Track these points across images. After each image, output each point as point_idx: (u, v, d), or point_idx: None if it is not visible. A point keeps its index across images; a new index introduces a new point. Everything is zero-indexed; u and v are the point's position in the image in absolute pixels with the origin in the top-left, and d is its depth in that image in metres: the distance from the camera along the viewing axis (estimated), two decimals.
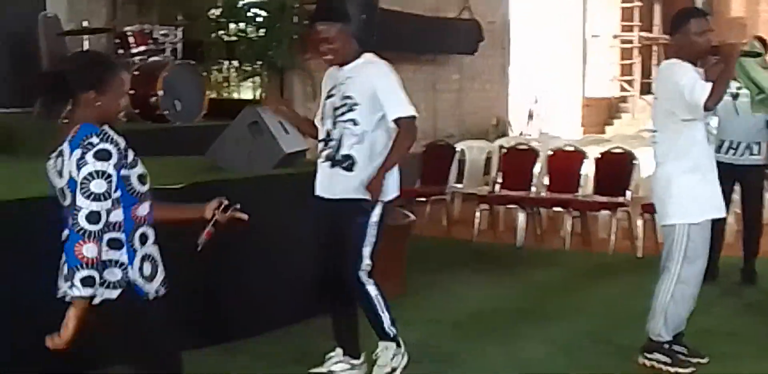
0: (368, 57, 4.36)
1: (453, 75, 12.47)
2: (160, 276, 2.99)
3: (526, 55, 15.32)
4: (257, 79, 9.99)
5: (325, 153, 4.37)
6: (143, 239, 2.93)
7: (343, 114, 4.29)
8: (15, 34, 8.42)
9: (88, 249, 2.71)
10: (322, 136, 4.40)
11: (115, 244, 2.86)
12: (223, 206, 3.07)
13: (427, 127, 11.76)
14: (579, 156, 8.48)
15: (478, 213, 8.37)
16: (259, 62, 9.26)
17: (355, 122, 4.27)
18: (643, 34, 19.50)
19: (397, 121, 4.26)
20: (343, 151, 4.30)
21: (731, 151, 6.43)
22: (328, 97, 4.38)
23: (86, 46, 7.64)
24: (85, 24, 8.13)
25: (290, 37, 8.92)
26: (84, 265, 2.70)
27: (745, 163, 6.44)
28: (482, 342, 5.20)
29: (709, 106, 4.31)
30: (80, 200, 2.75)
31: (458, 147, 9.39)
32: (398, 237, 6.14)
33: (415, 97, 11.62)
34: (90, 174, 2.76)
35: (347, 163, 4.29)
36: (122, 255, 2.87)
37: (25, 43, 8.28)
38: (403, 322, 5.53)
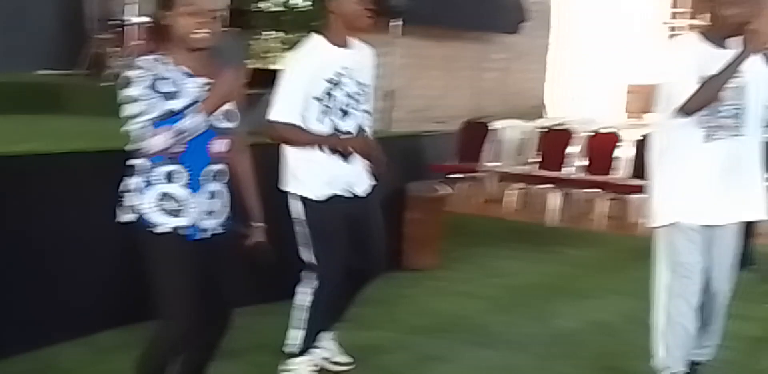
0: None
1: (498, 54, 12.39)
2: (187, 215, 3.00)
3: (571, 38, 15.18)
4: None
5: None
6: (168, 177, 2.98)
7: (360, 104, 3.94)
8: None
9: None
10: (327, 131, 3.85)
11: (131, 171, 2.99)
12: None
13: (470, 106, 11.73)
14: (616, 139, 8.44)
15: (512, 192, 8.35)
16: (305, 32, 9.23)
17: (369, 114, 4.01)
18: (695, 21, 19.26)
19: None
20: None
21: None
22: (339, 84, 3.84)
23: (133, 10, 7.69)
24: None
25: None
26: None
27: None
28: (515, 316, 5.21)
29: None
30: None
31: (496, 125, 9.35)
32: (434, 209, 6.17)
33: (459, 75, 11.77)
34: (121, 100, 2.88)
35: None
36: (138, 183, 2.98)
37: (71, 6, 8.36)
38: (438, 294, 5.62)
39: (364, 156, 3.89)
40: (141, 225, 2.96)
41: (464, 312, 5.25)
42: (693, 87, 3.53)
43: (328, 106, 3.82)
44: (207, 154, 3.01)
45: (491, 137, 9.18)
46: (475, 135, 9.24)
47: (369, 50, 4.03)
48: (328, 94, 3.81)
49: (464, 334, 4.82)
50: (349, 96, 3.86)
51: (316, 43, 3.86)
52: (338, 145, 3.83)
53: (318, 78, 3.80)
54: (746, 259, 6.11)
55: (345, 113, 3.86)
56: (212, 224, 3.05)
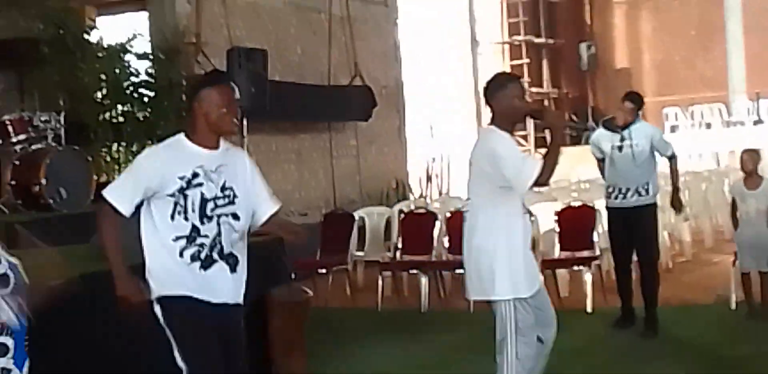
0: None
1: (350, 140, 12.56)
2: None
3: (421, 116, 15.54)
4: None
5: (190, 252, 3.70)
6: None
7: (222, 208, 3.73)
8: None
9: None
10: (182, 232, 3.70)
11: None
12: None
13: (327, 195, 11.77)
14: None
15: (380, 281, 8.31)
16: (149, 141, 9.16)
17: (236, 216, 3.77)
18: (534, 89, 20.06)
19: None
20: (226, 250, 3.74)
21: (620, 197, 6.74)
22: (195, 184, 3.70)
23: None
24: None
25: (178, 114, 8.85)
26: None
27: (635, 205, 6.70)
28: None
29: (543, 182, 4.22)
30: None
31: (357, 214, 9.36)
32: (298, 313, 6.04)
33: (314, 165, 11.85)
34: None
35: (232, 262, 3.79)
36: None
37: None
38: None
39: (125, 305, 3.65)
40: None
41: None
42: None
43: (181, 205, 3.65)
44: None
45: (355, 226, 9.16)
46: (337, 226, 9.20)
47: (239, 153, 3.91)
48: (182, 191, 3.66)
49: None
50: (205, 198, 3.67)
51: (175, 140, 3.79)
52: (116, 283, 3.64)
53: (170, 174, 3.66)
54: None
55: (204, 215, 3.68)
56: None
